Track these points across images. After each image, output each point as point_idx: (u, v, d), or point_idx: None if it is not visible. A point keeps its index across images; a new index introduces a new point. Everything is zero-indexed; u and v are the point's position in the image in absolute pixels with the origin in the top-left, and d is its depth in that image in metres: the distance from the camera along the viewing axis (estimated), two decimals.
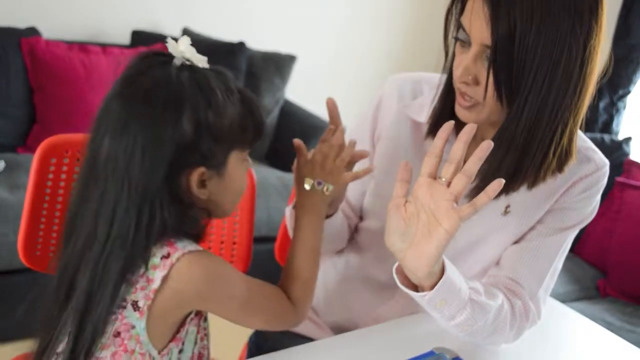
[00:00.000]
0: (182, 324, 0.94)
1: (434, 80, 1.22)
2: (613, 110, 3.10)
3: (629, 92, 3.07)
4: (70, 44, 2.57)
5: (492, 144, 0.92)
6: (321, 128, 2.98)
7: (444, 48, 1.10)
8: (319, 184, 1.07)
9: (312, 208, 1.08)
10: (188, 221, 0.91)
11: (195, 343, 0.98)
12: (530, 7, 0.95)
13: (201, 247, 0.91)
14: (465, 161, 0.93)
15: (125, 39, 2.85)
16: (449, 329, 1.09)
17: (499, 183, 0.91)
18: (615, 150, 2.81)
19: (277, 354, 1.05)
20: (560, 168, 1.09)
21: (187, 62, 0.89)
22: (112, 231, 0.86)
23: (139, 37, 2.80)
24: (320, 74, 3.53)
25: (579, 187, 1.16)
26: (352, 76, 3.64)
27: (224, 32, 3.05)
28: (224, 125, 0.89)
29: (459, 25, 1.04)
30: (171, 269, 0.87)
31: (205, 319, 1.01)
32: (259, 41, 3.10)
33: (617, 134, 3.13)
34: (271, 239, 1.55)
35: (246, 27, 3.17)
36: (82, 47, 2.59)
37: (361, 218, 1.33)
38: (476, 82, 1.02)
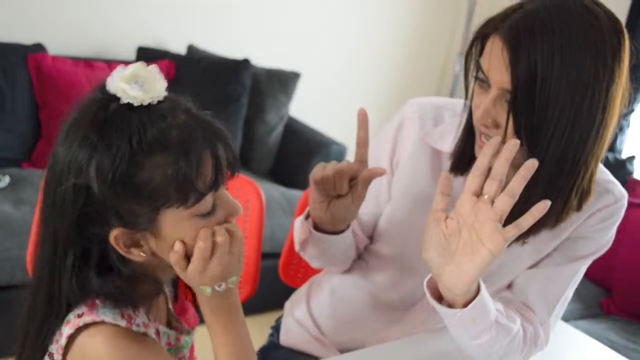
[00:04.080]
0: None
1: (456, 107, 1.21)
2: (617, 128, 3.09)
3: (632, 111, 3.07)
4: (76, 60, 2.58)
5: (536, 163, 0.90)
6: (325, 144, 2.99)
7: (464, 85, 1.08)
8: (219, 286, 0.82)
9: (218, 309, 0.84)
10: (114, 287, 0.79)
11: None
12: (551, 50, 0.92)
13: (124, 323, 0.79)
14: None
15: (131, 55, 2.86)
16: (466, 348, 1.09)
17: (544, 204, 0.90)
18: (619, 169, 2.81)
19: None
20: (579, 207, 1.08)
21: (127, 101, 0.75)
22: (40, 274, 0.81)
23: (145, 54, 2.81)
24: (324, 91, 3.53)
25: (597, 218, 1.15)
26: (356, 93, 3.65)
27: (228, 49, 3.07)
28: (141, 180, 0.74)
29: (479, 67, 1.01)
30: (78, 334, 0.78)
31: None
32: (264, 58, 3.11)
33: (620, 152, 3.13)
34: (275, 256, 1.55)
35: (251, 44, 3.19)
36: (88, 63, 2.60)
37: (371, 239, 1.32)
38: (496, 125, 1.01)
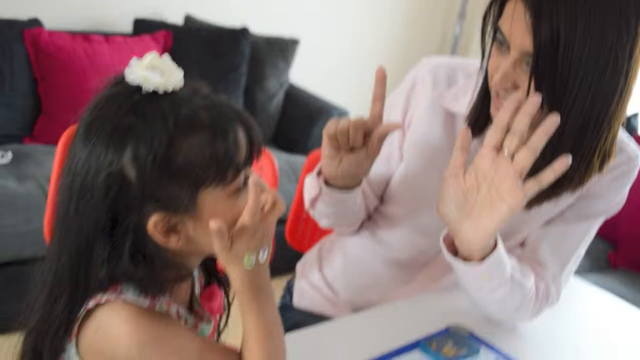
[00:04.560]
0: None
1: (469, 68, 1.19)
2: None
3: None
4: (73, 34, 2.56)
5: (558, 119, 0.90)
6: (326, 110, 2.98)
7: (480, 47, 1.06)
8: (264, 251, 0.82)
9: (261, 286, 0.83)
10: (143, 276, 0.78)
11: None
12: (574, 14, 0.90)
13: (147, 302, 0.79)
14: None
15: (128, 28, 2.83)
16: (480, 304, 1.10)
17: (566, 159, 0.90)
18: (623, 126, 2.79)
19: (296, 334, 1.05)
20: (601, 168, 1.06)
21: (151, 88, 0.75)
22: (58, 270, 0.79)
23: (142, 25, 2.78)
24: (323, 56, 3.51)
25: (610, 176, 1.14)
26: (356, 58, 3.63)
27: (226, 18, 3.04)
28: (180, 162, 0.74)
29: (496, 28, 0.99)
30: (96, 311, 0.77)
31: None
32: (262, 26, 3.09)
33: None
34: (281, 222, 1.55)
35: (249, 12, 3.16)
36: (85, 36, 2.58)
37: (381, 200, 1.31)
38: (515, 87, 0.98)
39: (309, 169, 1.45)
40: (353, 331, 1.09)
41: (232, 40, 2.87)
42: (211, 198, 0.77)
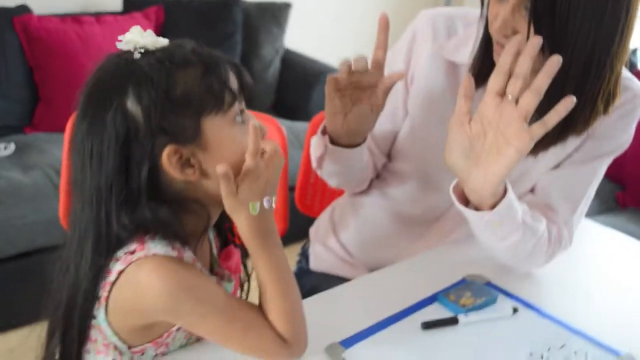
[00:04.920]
0: (168, 331, 0.88)
1: (469, 16, 1.18)
2: None
3: None
4: (63, 17, 2.53)
5: (561, 59, 0.89)
6: (324, 73, 2.95)
7: None
8: (268, 201, 0.87)
9: (265, 232, 0.88)
10: (165, 217, 0.82)
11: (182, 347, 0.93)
12: None
13: (175, 254, 0.83)
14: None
15: (118, 6, 2.80)
16: (493, 251, 1.10)
17: (570, 100, 0.90)
18: None
19: (316, 297, 1.05)
20: (606, 110, 1.06)
21: (142, 50, 0.82)
22: (77, 231, 0.84)
23: (131, 2, 2.75)
24: (317, 18, 3.47)
25: (616, 115, 1.13)
26: (349, 16, 3.58)
27: None
28: (178, 92, 0.80)
29: None
30: (127, 269, 0.81)
31: None
32: None
33: None
34: (290, 189, 1.56)
35: None
36: (75, 18, 2.55)
37: (389, 157, 1.32)
38: (515, 33, 0.97)
39: (313, 134, 1.44)
40: (371, 290, 1.10)
41: (224, 9, 2.84)
42: (213, 126, 0.83)
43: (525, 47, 0.91)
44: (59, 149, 2.26)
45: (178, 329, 0.88)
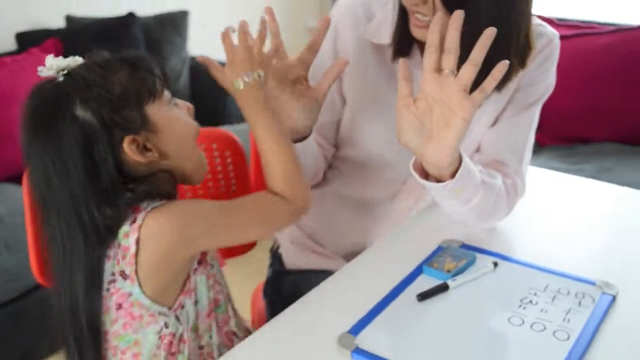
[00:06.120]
0: (188, 277, 0.99)
1: None
2: None
3: None
4: None
5: (495, 31, 0.95)
6: None
7: None
8: (248, 76, 1.03)
9: (253, 102, 1.04)
10: (148, 189, 0.95)
11: (209, 290, 1.04)
12: None
13: (164, 201, 0.95)
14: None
15: (11, 45, 2.71)
16: (457, 215, 1.16)
17: (504, 65, 0.96)
18: None
19: (301, 302, 1.06)
20: (522, 63, 1.14)
21: (64, 72, 0.93)
22: (62, 243, 0.93)
23: (25, 39, 2.67)
24: (217, 21, 3.44)
25: (537, 62, 1.21)
26: (250, 13, 3.57)
27: (109, 8, 2.94)
28: (117, 91, 0.92)
29: None
30: (140, 231, 0.91)
31: (213, 266, 1.06)
32: (149, 6, 3.01)
33: None
34: None
35: None
36: None
37: (336, 147, 1.35)
38: (424, 1, 1.04)
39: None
40: (357, 277, 1.13)
41: (122, 27, 2.81)
42: (155, 111, 0.95)
43: (450, 22, 0.97)
44: None
45: (195, 271, 1.00)
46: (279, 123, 1.06)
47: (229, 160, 1.38)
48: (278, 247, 1.45)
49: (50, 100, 0.91)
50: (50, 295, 0.99)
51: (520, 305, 1.01)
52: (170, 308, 0.97)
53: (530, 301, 1.02)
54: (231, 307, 1.11)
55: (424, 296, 1.02)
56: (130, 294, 0.94)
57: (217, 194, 1.38)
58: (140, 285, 0.93)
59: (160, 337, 0.97)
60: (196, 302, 1.01)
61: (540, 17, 1.20)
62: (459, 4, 1.01)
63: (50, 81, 0.93)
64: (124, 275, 0.93)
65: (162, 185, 0.98)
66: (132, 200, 0.93)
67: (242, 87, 1.03)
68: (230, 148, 1.39)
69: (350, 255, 1.32)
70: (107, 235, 0.92)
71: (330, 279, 1.12)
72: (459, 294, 1.04)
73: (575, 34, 2.77)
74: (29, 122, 0.92)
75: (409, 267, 1.11)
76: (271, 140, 1.04)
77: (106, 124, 0.90)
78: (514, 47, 1.09)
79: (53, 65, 0.92)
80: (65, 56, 0.94)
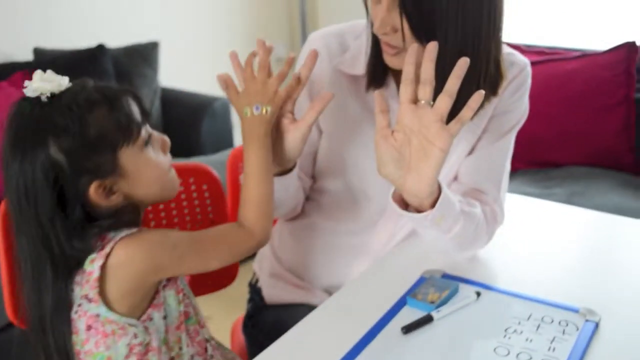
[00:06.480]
0: (157, 291, 1.01)
1: (356, 29, 1.25)
2: None
3: None
4: None
5: (468, 61, 0.97)
6: (207, 103, 2.95)
7: (363, 2, 1.12)
8: (257, 109, 1.08)
9: (255, 133, 1.08)
10: (113, 221, 0.96)
11: (179, 304, 1.05)
12: None
13: (135, 229, 0.97)
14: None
15: None
16: (441, 244, 1.16)
17: (479, 95, 0.97)
18: None
19: (287, 337, 1.05)
20: (494, 91, 1.15)
21: (48, 95, 0.92)
22: (30, 266, 0.96)
23: None
24: (187, 51, 3.45)
25: (510, 91, 1.23)
26: (220, 43, 3.59)
27: (78, 40, 2.91)
28: (92, 134, 0.92)
29: None
30: (108, 259, 0.93)
31: (181, 280, 1.07)
32: (119, 38, 2.99)
33: None
34: None
35: (99, 28, 3.05)
36: None
37: (313, 179, 1.35)
38: (395, 30, 1.05)
39: (235, 164, 1.45)
40: (340, 310, 1.11)
41: (91, 60, 2.77)
42: (128, 156, 0.96)
43: (425, 53, 0.98)
44: None
45: (164, 287, 1.02)
46: (270, 158, 1.10)
47: (206, 194, 1.37)
48: (257, 281, 1.43)
49: (30, 130, 0.92)
50: (23, 333, 1.01)
51: (505, 335, 1.00)
52: (138, 319, 0.99)
53: (515, 330, 1.01)
54: (199, 318, 1.11)
55: (409, 329, 1.01)
56: (97, 315, 0.96)
57: (195, 226, 1.36)
58: (106, 304, 0.95)
59: (130, 348, 0.98)
60: (165, 317, 1.02)
61: (508, 44, 1.21)
62: (428, 33, 1.02)
63: (30, 102, 0.92)
64: (87, 298, 0.95)
65: (127, 216, 0.99)
66: (99, 232, 0.95)
67: (248, 115, 1.08)
68: (207, 181, 1.38)
69: (331, 288, 1.31)
70: (74, 266, 0.95)
71: (313, 314, 1.10)
72: (443, 325, 1.04)
73: (543, 59, 2.81)
74: (10, 140, 0.93)
75: (393, 299, 1.10)
76: (259, 172, 1.08)
77: (76, 169, 0.92)
78: (483, 75, 1.10)
79: (37, 88, 0.92)
80: None
